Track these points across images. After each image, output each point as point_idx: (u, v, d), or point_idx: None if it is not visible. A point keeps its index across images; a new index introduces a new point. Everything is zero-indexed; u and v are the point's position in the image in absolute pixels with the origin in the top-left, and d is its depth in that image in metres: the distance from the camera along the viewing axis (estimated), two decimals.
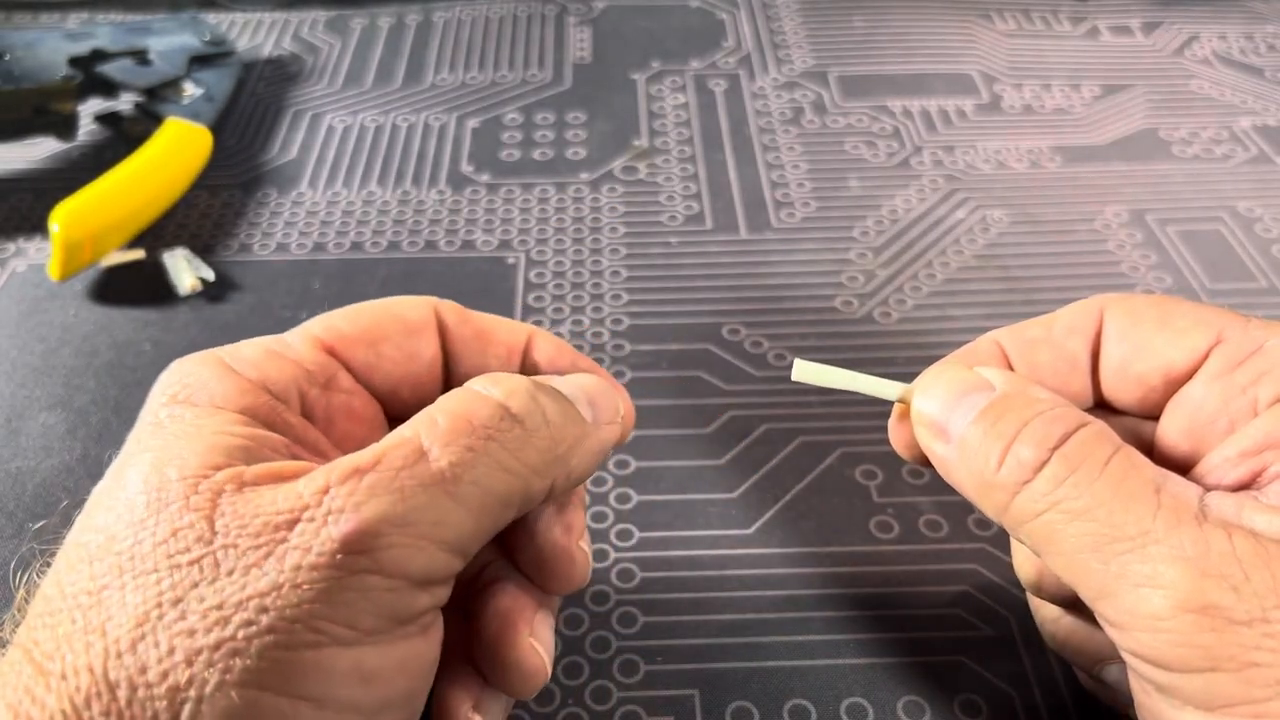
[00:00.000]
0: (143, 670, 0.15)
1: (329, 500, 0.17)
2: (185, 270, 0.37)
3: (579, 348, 0.33)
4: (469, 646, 0.21)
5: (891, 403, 0.22)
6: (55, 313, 0.36)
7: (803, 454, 0.31)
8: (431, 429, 0.18)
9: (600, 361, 0.34)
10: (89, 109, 0.45)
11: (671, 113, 0.47)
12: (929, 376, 0.21)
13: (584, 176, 0.43)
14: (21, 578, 0.19)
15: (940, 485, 0.21)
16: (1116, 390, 0.21)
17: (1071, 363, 0.22)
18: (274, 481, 0.17)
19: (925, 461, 0.21)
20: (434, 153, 0.45)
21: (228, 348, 0.21)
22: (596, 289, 0.37)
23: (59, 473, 0.31)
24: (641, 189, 0.42)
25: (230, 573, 0.16)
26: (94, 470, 0.31)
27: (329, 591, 0.16)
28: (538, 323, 0.36)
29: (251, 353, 0.21)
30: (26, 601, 0.18)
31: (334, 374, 0.21)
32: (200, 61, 0.46)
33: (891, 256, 0.39)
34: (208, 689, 0.15)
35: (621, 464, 0.31)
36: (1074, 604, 0.22)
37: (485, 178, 0.43)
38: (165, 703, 0.15)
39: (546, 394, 0.20)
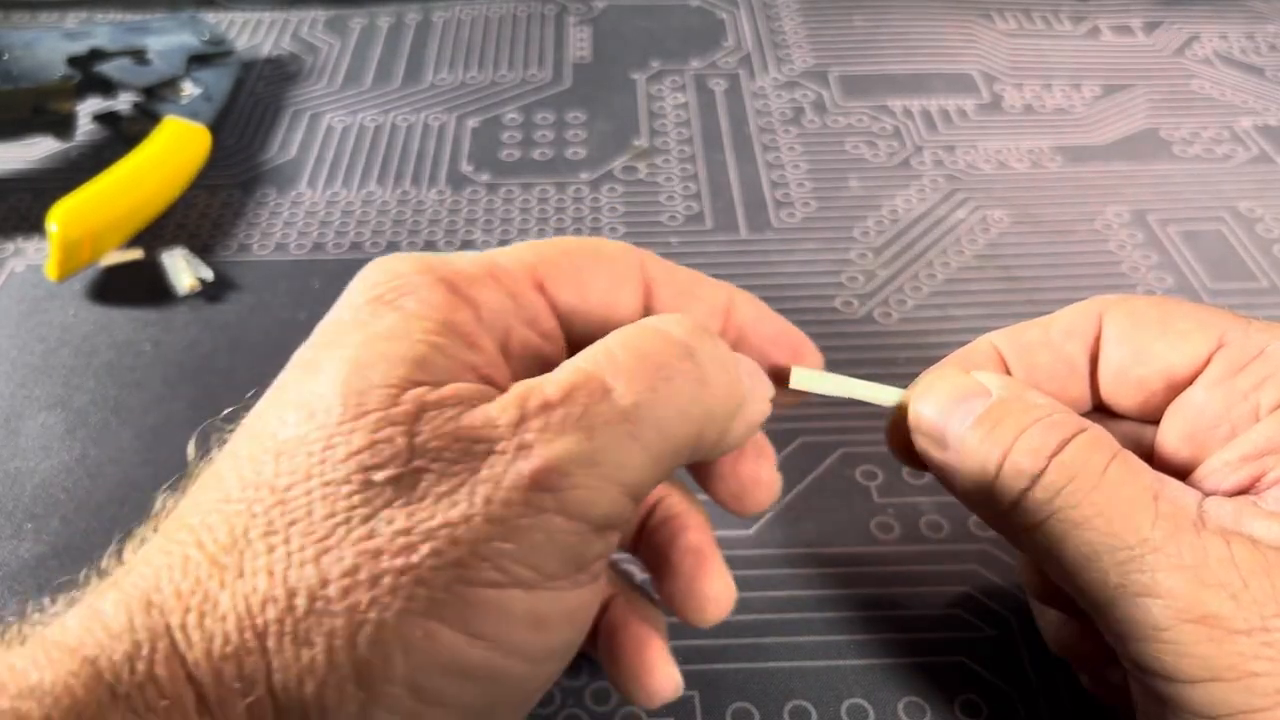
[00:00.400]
0: (324, 584, 0.14)
1: (522, 433, 0.16)
2: (184, 270, 0.37)
3: None
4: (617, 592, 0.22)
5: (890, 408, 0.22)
6: (54, 313, 0.36)
7: (803, 454, 0.31)
8: (613, 365, 0.17)
9: None
10: (87, 108, 0.45)
11: (671, 113, 0.47)
12: (925, 382, 0.21)
13: (584, 176, 0.43)
14: (198, 452, 0.18)
15: (941, 486, 0.21)
16: (1116, 394, 0.21)
17: (1070, 366, 0.21)
18: (461, 405, 0.16)
19: (923, 467, 0.21)
20: (434, 152, 0.44)
21: (441, 256, 0.19)
22: None
23: (58, 473, 0.31)
24: (641, 189, 0.42)
25: (424, 498, 0.15)
26: (93, 470, 0.31)
27: (518, 531, 0.15)
28: None
29: (468, 267, 0.19)
30: (194, 476, 0.17)
31: (538, 313, 0.20)
32: (199, 61, 0.46)
33: (892, 256, 0.39)
34: (389, 615, 0.14)
35: None
36: (1077, 609, 0.22)
37: (485, 178, 0.43)
38: (342, 621, 0.14)
39: (724, 344, 0.19)
